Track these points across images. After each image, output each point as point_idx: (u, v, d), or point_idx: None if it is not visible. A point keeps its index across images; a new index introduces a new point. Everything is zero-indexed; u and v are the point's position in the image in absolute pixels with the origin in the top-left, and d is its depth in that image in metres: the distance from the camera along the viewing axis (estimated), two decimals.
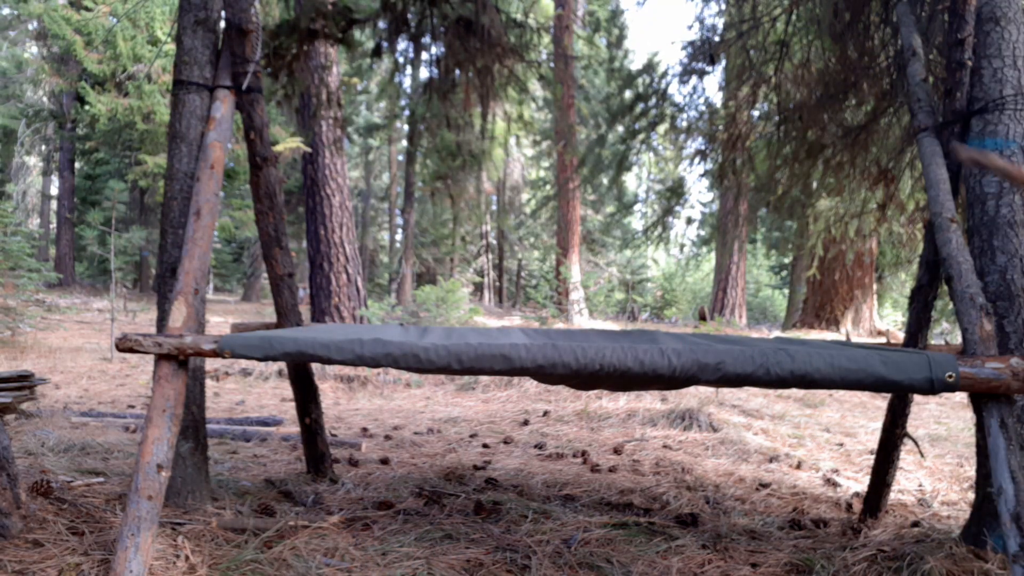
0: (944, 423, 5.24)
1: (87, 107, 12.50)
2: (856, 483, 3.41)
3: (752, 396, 5.85)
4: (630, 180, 29.55)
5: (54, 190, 24.56)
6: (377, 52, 4.15)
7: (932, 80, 3.09)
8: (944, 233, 2.21)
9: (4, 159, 21.40)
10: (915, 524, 2.72)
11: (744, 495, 3.12)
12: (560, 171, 14.96)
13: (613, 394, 5.57)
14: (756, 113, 4.85)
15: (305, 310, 10.88)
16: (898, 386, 1.88)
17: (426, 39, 4.09)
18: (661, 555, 2.25)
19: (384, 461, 3.63)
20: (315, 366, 5.88)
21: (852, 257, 10.78)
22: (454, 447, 4.14)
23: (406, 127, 18.78)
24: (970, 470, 3.66)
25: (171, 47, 10.57)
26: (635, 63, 23.71)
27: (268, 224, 2.73)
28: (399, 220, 25.22)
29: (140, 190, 18.35)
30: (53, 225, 24.73)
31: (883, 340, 10.00)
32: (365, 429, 4.71)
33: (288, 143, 9.43)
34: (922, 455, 3.27)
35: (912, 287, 2.53)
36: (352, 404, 5.95)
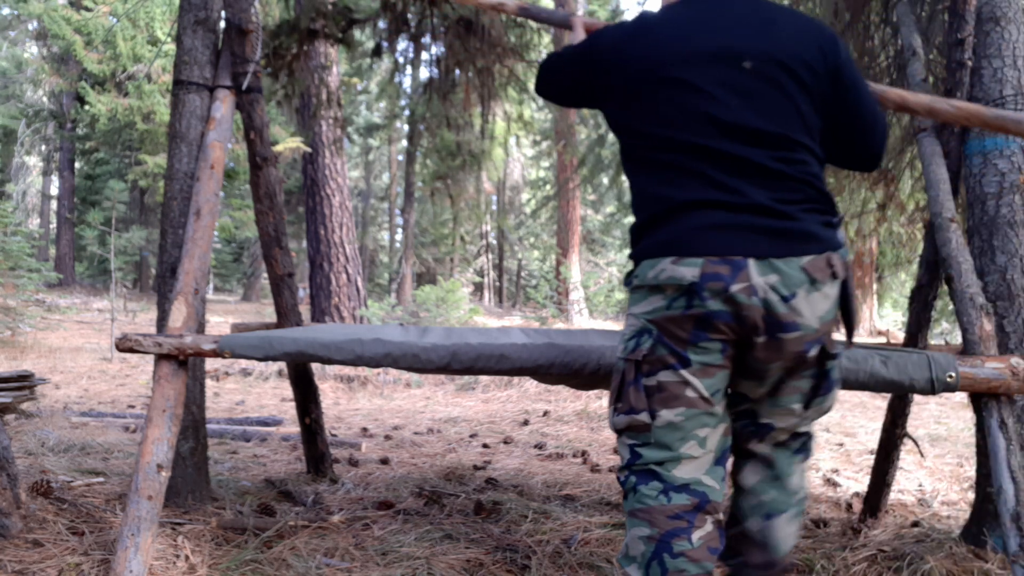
0: (944, 423, 5.24)
1: (87, 107, 12.50)
2: (856, 483, 3.41)
3: None
4: None
5: (54, 190, 24.55)
6: (377, 52, 4.15)
7: (932, 80, 3.09)
8: (944, 233, 2.21)
9: (4, 159, 21.39)
10: (915, 524, 2.72)
11: None
12: (560, 171, 14.96)
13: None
14: None
15: (305, 310, 10.86)
16: (898, 386, 1.88)
17: (426, 39, 4.09)
18: None
19: (384, 461, 3.63)
20: (315, 366, 5.87)
21: (852, 257, 10.78)
22: (454, 447, 4.15)
23: (406, 127, 18.78)
24: (970, 470, 3.66)
25: (171, 47, 10.57)
26: None
27: (268, 224, 2.73)
28: (399, 220, 25.21)
29: (140, 190, 18.34)
30: (53, 225, 24.72)
31: (883, 340, 10.00)
32: (365, 429, 4.71)
33: (288, 143, 9.43)
34: (922, 455, 3.27)
35: (912, 287, 2.53)
36: (352, 404, 5.95)
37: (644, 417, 1.44)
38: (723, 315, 1.37)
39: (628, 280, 1.52)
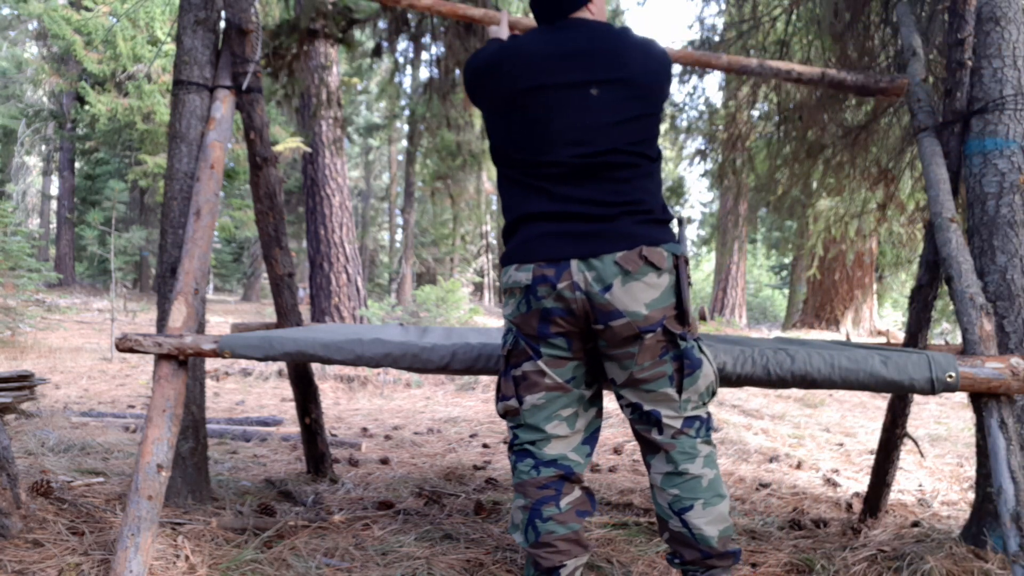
0: (944, 423, 5.24)
1: (87, 107, 12.48)
2: (856, 483, 3.41)
3: (752, 396, 5.85)
4: None
5: (54, 190, 24.54)
6: (377, 52, 4.15)
7: (932, 80, 3.08)
8: (944, 233, 2.21)
9: (4, 159, 21.38)
10: (915, 524, 2.73)
11: (744, 495, 3.12)
12: None
13: (612, 394, 5.57)
14: (756, 113, 4.85)
15: (305, 310, 10.87)
16: (898, 386, 1.88)
17: (426, 39, 4.09)
18: (661, 555, 2.25)
19: (384, 461, 3.64)
20: (315, 366, 5.87)
21: (852, 257, 10.77)
22: (454, 447, 4.15)
23: (406, 127, 18.76)
24: (970, 470, 3.66)
25: (171, 47, 10.56)
26: None
27: (268, 224, 2.73)
28: (399, 220, 25.20)
29: (140, 190, 18.34)
30: (53, 225, 24.70)
31: (883, 340, 9.99)
32: (365, 429, 4.71)
33: (288, 143, 9.41)
34: (922, 455, 3.27)
35: (912, 287, 2.53)
36: (352, 404, 5.95)
37: (514, 402, 1.70)
38: (557, 311, 1.61)
39: None
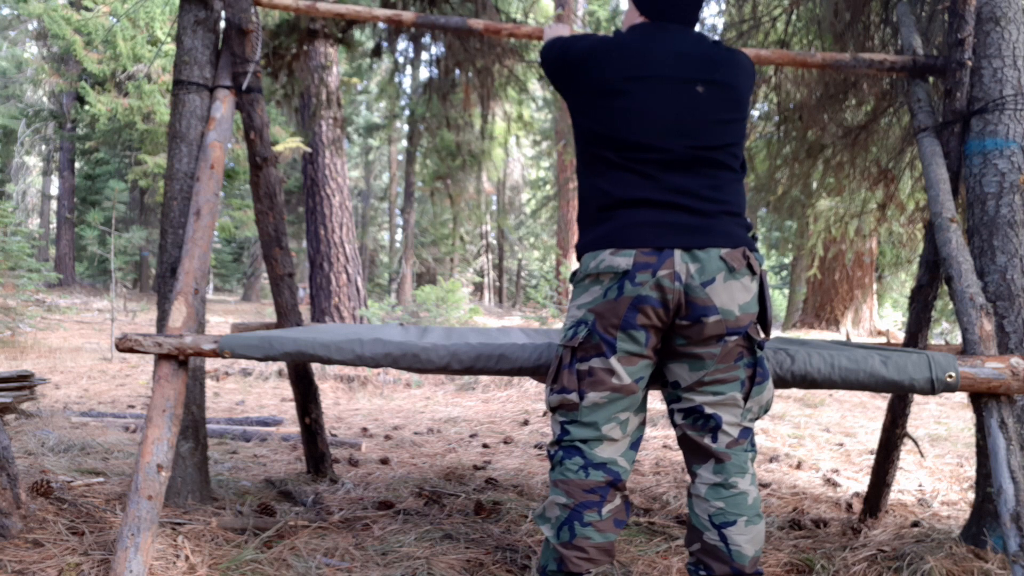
0: (944, 423, 5.24)
1: (87, 107, 12.47)
2: (856, 483, 3.41)
3: None
4: None
5: (54, 190, 24.54)
6: (377, 52, 4.16)
7: (932, 80, 3.08)
8: (944, 233, 2.21)
9: (4, 159, 21.37)
10: (915, 524, 2.72)
11: None
12: (560, 171, 14.95)
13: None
14: (756, 113, 4.84)
15: (305, 310, 10.86)
16: (898, 386, 1.88)
17: (426, 39, 4.10)
18: (661, 555, 2.26)
19: (384, 461, 3.64)
20: (315, 366, 5.87)
21: (852, 257, 10.76)
22: (454, 447, 4.15)
23: (406, 127, 18.75)
24: (970, 470, 3.66)
25: (171, 47, 10.56)
26: None
27: (268, 224, 2.73)
28: (399, 220, 25.19)
29: (140, 190, 18.32)
30: (53, 225, 24.70)
31: (883, 340, 9.99)
32: (365, 429, 4.71)
33: (288, 143, 9.41)
34: (922, 455, 3.27)
35: (912, 287, 2.53)
36: (352, 404, 5.95)
37: (574, 397, 1.65)
38: (651, 300, 1.57)
39: (573, 276, 1.71)
